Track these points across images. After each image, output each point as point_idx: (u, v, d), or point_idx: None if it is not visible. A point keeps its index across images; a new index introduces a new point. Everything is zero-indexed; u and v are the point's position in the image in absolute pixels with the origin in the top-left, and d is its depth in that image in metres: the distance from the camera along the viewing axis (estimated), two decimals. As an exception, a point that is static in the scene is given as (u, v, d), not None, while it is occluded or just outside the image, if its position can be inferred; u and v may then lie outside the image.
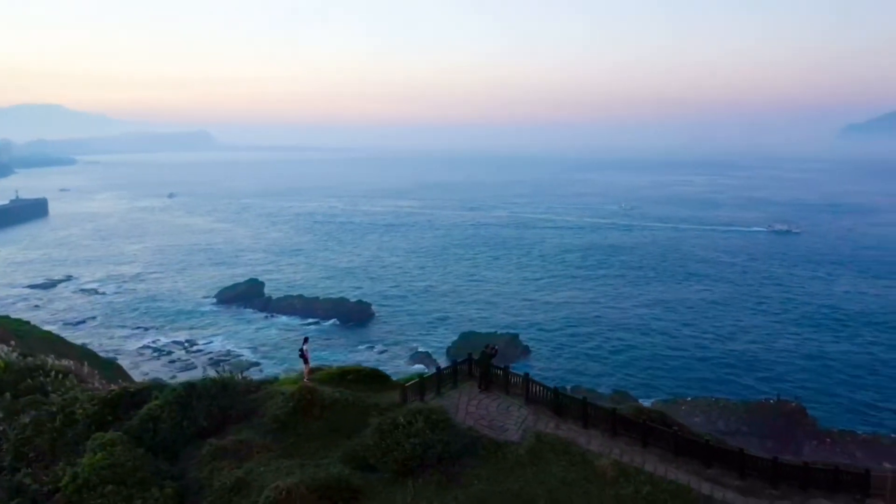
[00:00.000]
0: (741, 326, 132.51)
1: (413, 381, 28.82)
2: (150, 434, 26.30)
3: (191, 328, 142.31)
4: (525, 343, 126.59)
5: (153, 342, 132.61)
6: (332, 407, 27.84)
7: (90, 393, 28.87)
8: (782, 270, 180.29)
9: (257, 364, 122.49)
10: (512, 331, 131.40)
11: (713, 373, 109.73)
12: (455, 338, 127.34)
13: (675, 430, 26.37)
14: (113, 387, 29.86)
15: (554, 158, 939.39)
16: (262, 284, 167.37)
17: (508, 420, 27.51)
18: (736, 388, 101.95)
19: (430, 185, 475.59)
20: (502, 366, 31.12)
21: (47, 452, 27.09)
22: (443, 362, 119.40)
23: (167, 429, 26.40)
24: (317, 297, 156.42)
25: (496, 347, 30.91)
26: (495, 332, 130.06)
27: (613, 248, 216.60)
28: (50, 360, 33.46)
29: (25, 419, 27.56)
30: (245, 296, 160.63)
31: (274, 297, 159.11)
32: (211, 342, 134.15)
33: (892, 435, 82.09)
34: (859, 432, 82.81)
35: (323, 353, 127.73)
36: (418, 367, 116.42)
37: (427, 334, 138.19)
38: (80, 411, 27.91)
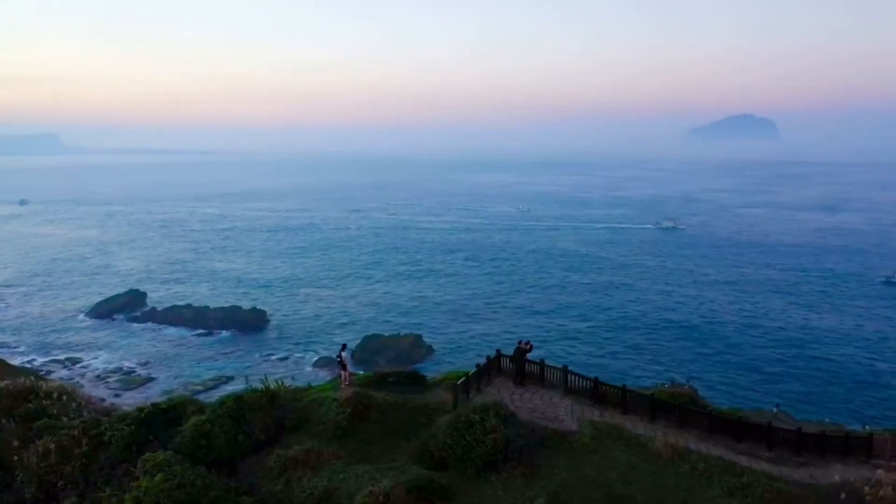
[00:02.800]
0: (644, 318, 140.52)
1: (460, 381, 29.16)
2: (203, 451, 24.95)
3: (69, 345, 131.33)
4: (428, 343, 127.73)
5: (28, 362, 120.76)
6: (386, 410, 27.73)
7: (121, 413, 26.73)
8: (673, 262, 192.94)
9: (152, 379, 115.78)
10: (414, 331, 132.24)
11: (621, 363, 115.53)
12: (358, 341, 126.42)
13: (709, 410, 28.68)
14: (142, 405, 27.77)
15: (428, 160, 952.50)
16: (143, 295, 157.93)
17: (558, 411, 28.68)
18: (632, 375, 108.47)
19: (306, 188, 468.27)
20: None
21: (79, 480, 24.89)
22: (349, 366, 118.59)
23: (221, 444, 25.17)
24: (207, 307, 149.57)
25: (530, 343, 31.86)
26: (398, 333, 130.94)
27: (509, 247, 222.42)
28: (42, 383, 30.39)
29: (50, 445, 25.07)
30: (126, 308, 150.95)
31: (159, 308, 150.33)
32: (96, 358, 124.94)
33: (771, 410, 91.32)
34: (745, 409, 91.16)
35: (217, 363, 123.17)
36: (324, 373, 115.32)
37: (327, 339, 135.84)
38: (110, 433, 25.83)
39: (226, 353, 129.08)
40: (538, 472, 24.47)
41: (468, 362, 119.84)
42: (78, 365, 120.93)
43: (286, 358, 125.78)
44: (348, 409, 26.69)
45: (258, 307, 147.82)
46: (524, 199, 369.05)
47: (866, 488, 25.44)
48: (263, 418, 25.98)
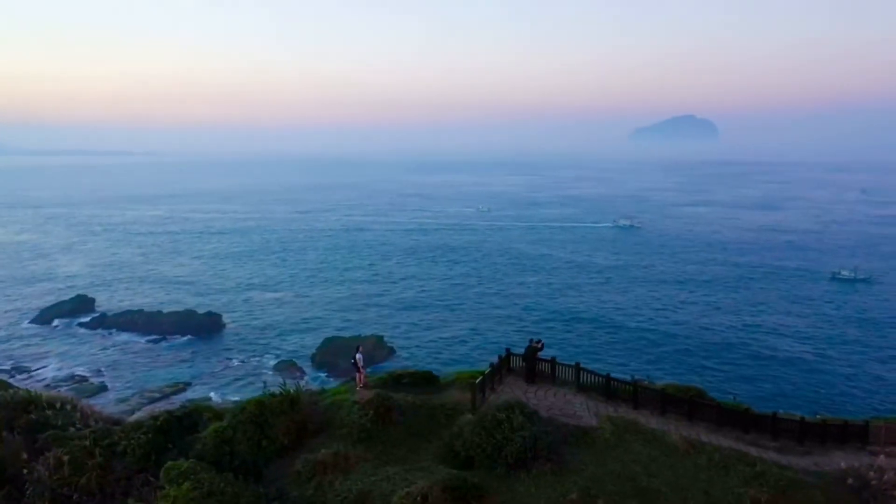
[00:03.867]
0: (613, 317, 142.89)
1: (478, 380, 29.28)
2: (227, 457, 24.44)
3: (15, 355, 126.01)
4: (390, 344, 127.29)
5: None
6: (406, 411, 27.66)
7: (134, 422, 25.88)
8: (631, 257, 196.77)
9: (106, 387, 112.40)
10: (376, 332, 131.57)
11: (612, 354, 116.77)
12: (318, 343, 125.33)
13: (717, 403, 29.61)
14: (157, 412, 26.93)
15: (381, 160, 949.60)
16: (92, 301, 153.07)
17: (574, 408, 29.16)
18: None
19: (256, 189, 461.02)
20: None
21: (95, 491, 24.01)
22: (308, 369, 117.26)
23: (245, 450, 24.71)
24: (160, 312, 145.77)
25: (542, 341, 32.20)
26: (359, 334, 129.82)
27: (468, 247, 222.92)
28: (41, 393, 29.13)
29: (63, 457, 24.07)
30: (73, 314, 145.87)
31: (109, 314, 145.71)
32: (45, 367, 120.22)
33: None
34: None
35: (173, 369, 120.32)
36: (284, 377, 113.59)
37: (285, 342, 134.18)
38: (125, 443, 24.98)
39: (182, 359, 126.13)
40: (566, 468, 24.82)
41: (431, 362, 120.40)
42: (26, 374, 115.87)
43: (245, 362, 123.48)
44: (371, 412, 26.53)
45: (213, 311, 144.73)
46: (480, 200, 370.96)
47: (871, 473, 26.68)
48: (286, 423, 25.59)
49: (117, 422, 28.01)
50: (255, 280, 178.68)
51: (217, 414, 27.32)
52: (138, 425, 25.63)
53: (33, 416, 27.07)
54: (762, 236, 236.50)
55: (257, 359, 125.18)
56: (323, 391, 31.89)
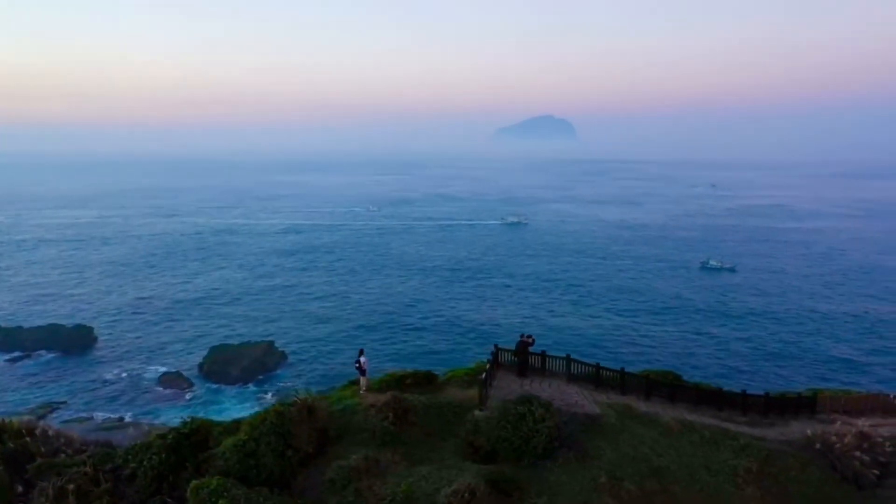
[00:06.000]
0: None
1: (483, 376, 29.76)
2: (253, 471, 23.36)
3: None
4: (281, 349, 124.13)
5: None
6: (419, 412, 27.68)
7: (141, 443, 23.98)
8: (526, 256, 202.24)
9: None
10: (265, 338, 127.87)
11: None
12: (204, 353, 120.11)
13: (694, 385, 32.06)
14: (156, 431, 25.07)
15: (243, 161, 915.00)
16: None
17: (573, 397, 30.42)
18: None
19: (116, 192, 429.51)
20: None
21: (106, 519, 22.13)
22: (196, 380, 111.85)
23: (270, 461, 23.80)
24: (20, 327, 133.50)
25: (532, 336, 33.14)
26: (248, 341, 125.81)
27: (347, 247, 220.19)
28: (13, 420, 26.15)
29: (67, 486, 21.90)
30: None
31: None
32: None
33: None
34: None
35: (43, 388, 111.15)
36: (170, 390, 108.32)
37: (167, 353, 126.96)
38: (134, 465, 23.15)
39: (51, 377, 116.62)
40: (587, 455, 26.00)
41: (330, 365, 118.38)
42: None
43: (125, 377, 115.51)
44: (390, 414, 26.38)
45: (82, 324, 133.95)
46: (358, 200, 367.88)
47: (833, 438, 30.09)
48: (308, 431, 24.89)
49: (107, 445, 25.82)
50: (126, 288, 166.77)
51: (227, 428, 25.94)
52: (145, 446, 23.87)
53: (11, 445, 24.33)
54: (627, 231, 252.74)
55: (137, 372, 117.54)
56: (325, 396, 30.94)
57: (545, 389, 31.16)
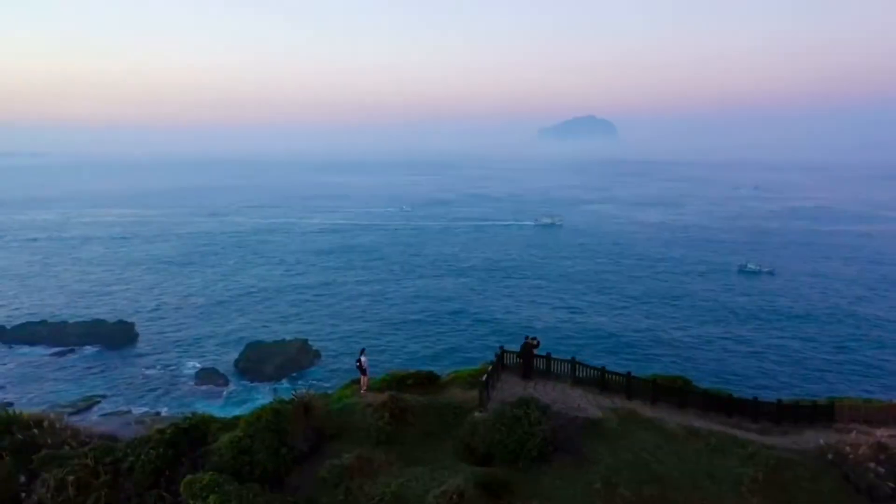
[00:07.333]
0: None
1: (485, 378, 29.66)
2: (248, 467, 23.69)
3: None
4: (315, 348, 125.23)
5: None
6: (417, 412, 27.69)
7: (139, 437, 24.56)
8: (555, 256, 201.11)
9: (10, 403, 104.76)
10: (299, 336, 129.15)
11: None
12: (241, 349, 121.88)
13: (702, 391, 31.36)
14: (159, 426, 25.62)
15: (287, 161, 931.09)
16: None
17: (576, 400, 30.08)
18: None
19: (154, 191, 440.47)
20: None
21: (104, 511, 22.68)
22: (231, 376, 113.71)
23: (265, 458, 24.08)
24: (65, 322, 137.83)
25: (537, 338, 32.89)
26: (282, 339, 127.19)
27: (383, 248, 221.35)
28: (20, 411, 27.08)
29: (67, 477, 22.54)
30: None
31: (8, 326, 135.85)
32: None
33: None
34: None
35: (85, 382, 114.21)
36: (206, 386, 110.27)
37: (204, 349, 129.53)
38: (132, 459, 23.69)
39: (94, 371, 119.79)
40: (585, 459, 25.66)
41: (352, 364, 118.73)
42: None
43: (163, 372, 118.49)
44: (387, 414, 26.47)
45: (124, 320, 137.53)
46: (395, 200, 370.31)
47: (847, 448, 29.06)
48: (303, 429, 25.11)
49: (111, 438, 26.50)
50: (167, 286, 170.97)
51: (226, 424, 26.38)
52: (144, 440, 24.39)
53: (19, 437, 25.16)
54: (667, 233, 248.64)
55: (175, 368, 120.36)
56: (327, 395, 31.27)
57: (548, 392, 30.86)
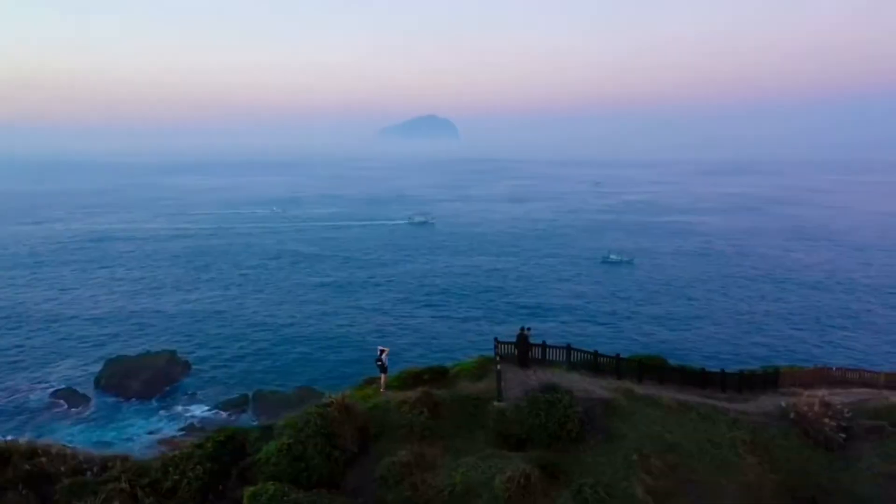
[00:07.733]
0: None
1: (497, 369, 30.60)
2: (304, 474, 22.95)
3: None
4: (184, 359, 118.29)
5: None
6: (447, 406, 28.15)
7: (179, 453, 22.79)
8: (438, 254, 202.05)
9: None
10: (166, 348, 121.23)
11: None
12: (100, 366, 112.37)
13: (679, 367, 34.48)
14: (191, 439, 23.86)
15: (115, 162, 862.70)
16: None
17: (579, 383, 31.86)
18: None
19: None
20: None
21: (151, 539, 20.96)
22: (93, 394, 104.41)
23: (319, 463, 23.57)
24: None
25: (529, 328, 34.28)
26: (147, 351, 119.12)
27: (249, 251, 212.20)
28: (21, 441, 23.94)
29: (109, 505, 20.51)
30: None
31: None
32: None
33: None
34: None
35: None
36: (63, 405, 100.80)
37: (55, 368, 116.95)
38: (175, 478, 22.01)
39: None
40: (614, 436, 27.47)
41: (235, 370, 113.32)
42: None
43: (9, 398, 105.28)
44: (425, 409, 26.69)
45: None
46: (252, 202, 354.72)
47: (804, 408, 33.34)
48: (351, 430, 24.73)
49: (125, 459, 24.27)
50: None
51: (262, 433, 25.19)
52: (184, 457, 22.80)
53: (27, 467, 22.33)
54: (525, 225, 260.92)
55: (23, 393, 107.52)
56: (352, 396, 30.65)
57: (550, 378, 32.41)
